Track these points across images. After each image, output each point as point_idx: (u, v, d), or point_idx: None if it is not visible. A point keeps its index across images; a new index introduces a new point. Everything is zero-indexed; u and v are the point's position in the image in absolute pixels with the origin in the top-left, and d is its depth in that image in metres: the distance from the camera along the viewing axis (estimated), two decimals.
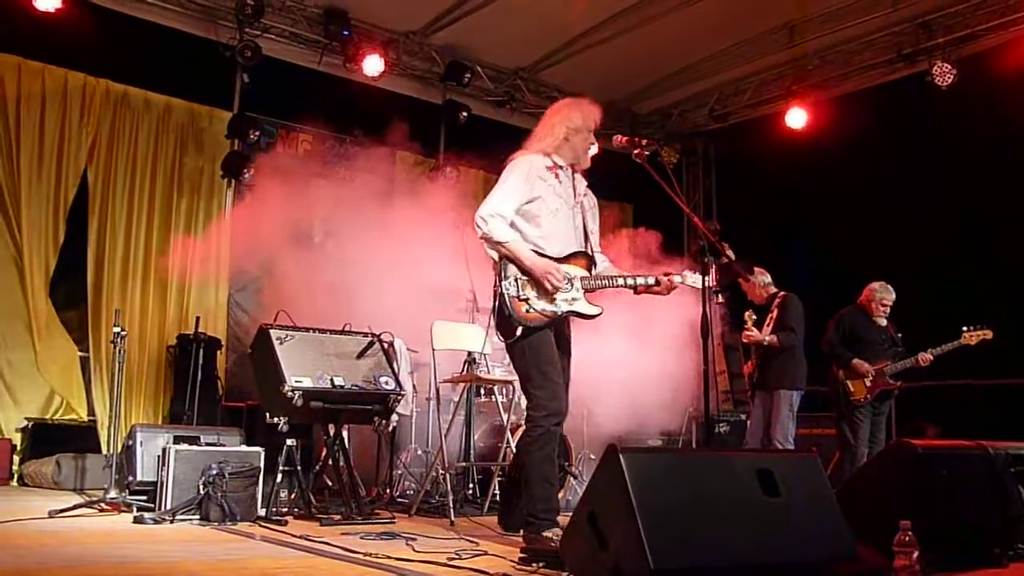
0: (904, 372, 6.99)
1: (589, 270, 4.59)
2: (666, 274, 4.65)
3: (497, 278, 4.45)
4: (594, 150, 4.73)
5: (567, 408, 4.53)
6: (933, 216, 8.99)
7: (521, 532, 4.42)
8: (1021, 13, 8.53)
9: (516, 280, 4.41)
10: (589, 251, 4.65)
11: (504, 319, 4.42)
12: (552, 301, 4.43)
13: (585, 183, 4.77)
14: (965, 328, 6.89)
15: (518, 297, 4.39)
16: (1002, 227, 8.53)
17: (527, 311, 4.38)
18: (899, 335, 7.19)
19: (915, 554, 2.68)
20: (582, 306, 4.51)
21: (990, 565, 3.77)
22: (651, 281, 4.63)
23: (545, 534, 4.18)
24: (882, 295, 7.20)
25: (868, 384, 6.97)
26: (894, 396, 7.14)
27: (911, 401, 7.81)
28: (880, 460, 4.32)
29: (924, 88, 8.96)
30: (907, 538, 2.68)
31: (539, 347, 4.40)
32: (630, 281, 4.63)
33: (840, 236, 9.32)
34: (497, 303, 4.45)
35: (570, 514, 3.46)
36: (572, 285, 4.48)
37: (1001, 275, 8.40)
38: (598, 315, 4.56)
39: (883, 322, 7.21)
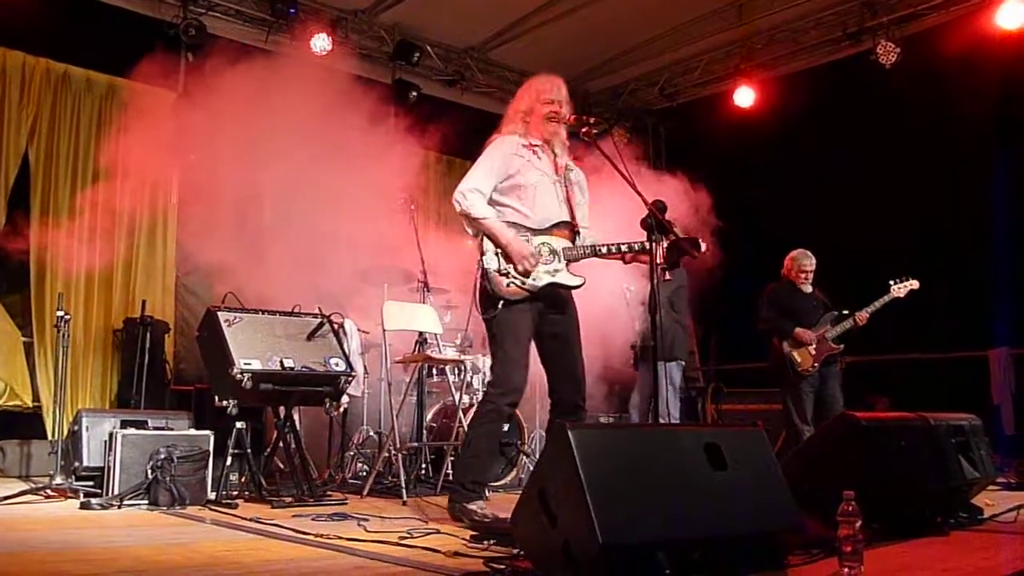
0: (846, 336, 7.00)
1: (572, 241, 4.59)
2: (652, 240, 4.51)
3: (479, 253, 4.49)
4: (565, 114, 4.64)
5: (524, 389, 4.52)
6: (877, 192, 9.13)
7: (447, 499, 4.48)
8: None
9: (497, 254, 4.44)
10: (573, 222, 4.63)
11: (485, 294, 4.46)
12: (533, 274, 4.44)
13: (569, 158, 4.75)
14: (892, 281, 6.95)
15: (499, 271, 4.42)
16: (944, 203, 8.66)
17: (508, 285, 4.41)
18: (826, 299, 7.21)
19: (858, 523, 2.72)
20: (564, 277, 4.52)
21: (932, 533, 3.85)
22: (637, 247, 4.53)
23: (469, 506, 4.29)
24: (801, 262, 7.22)
25: (813, 352, 7.01)
26: (841, 367, 7.16)
27: (861, 375, 7.93)
28: (824, 432, 4.39)
29: (869, 67, 9.08)
30: (850, 508, 2.72)
31: (511, 323, 4.43)
32: (615, 248, 4.57)
33: (785, 212, 9.42)
34: (479, 278, 4.47)
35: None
36: (555, 256, 4.50)
37: (945, 251, 8.54)
38: (581, 285, 4.56)
39: (809, 289, 7.24)
